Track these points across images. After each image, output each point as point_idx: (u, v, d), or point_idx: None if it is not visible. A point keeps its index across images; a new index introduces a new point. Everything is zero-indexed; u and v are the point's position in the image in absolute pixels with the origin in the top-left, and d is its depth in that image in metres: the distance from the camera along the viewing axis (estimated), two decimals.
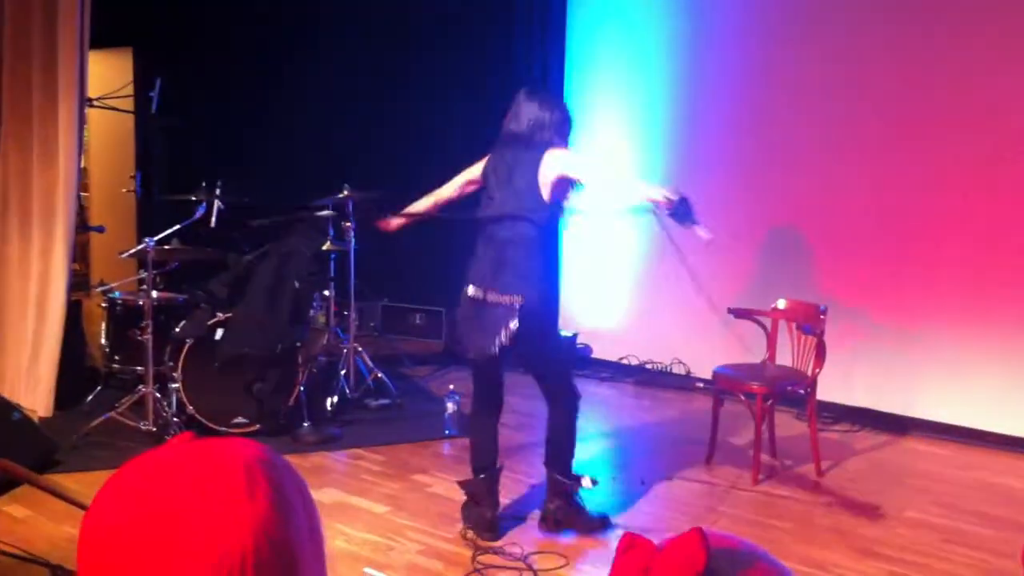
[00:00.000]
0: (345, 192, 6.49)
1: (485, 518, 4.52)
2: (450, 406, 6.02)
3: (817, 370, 5.44)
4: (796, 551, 4.47)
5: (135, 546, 0.90)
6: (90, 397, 6.11)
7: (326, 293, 6.64)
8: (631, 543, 0.85)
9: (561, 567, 4.22)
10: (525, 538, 4.51)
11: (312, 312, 6.41)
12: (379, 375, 6.68)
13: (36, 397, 5.95)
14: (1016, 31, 5.85)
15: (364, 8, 8.31)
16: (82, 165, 6.52)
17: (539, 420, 4.93)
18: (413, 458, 5.65)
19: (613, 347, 7.71)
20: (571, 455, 4.59)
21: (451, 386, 6.23)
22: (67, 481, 4.66)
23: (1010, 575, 4.27)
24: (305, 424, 5.79)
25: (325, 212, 6.39)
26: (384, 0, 8.28)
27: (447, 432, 6.00)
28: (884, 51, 6.34)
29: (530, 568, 4.18)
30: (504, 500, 4.76)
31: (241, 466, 0.95)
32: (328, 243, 6.50)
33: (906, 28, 6.25)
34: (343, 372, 6.62)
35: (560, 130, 4.45)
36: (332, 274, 6.64)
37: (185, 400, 5.61)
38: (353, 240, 6.58)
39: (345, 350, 6.69)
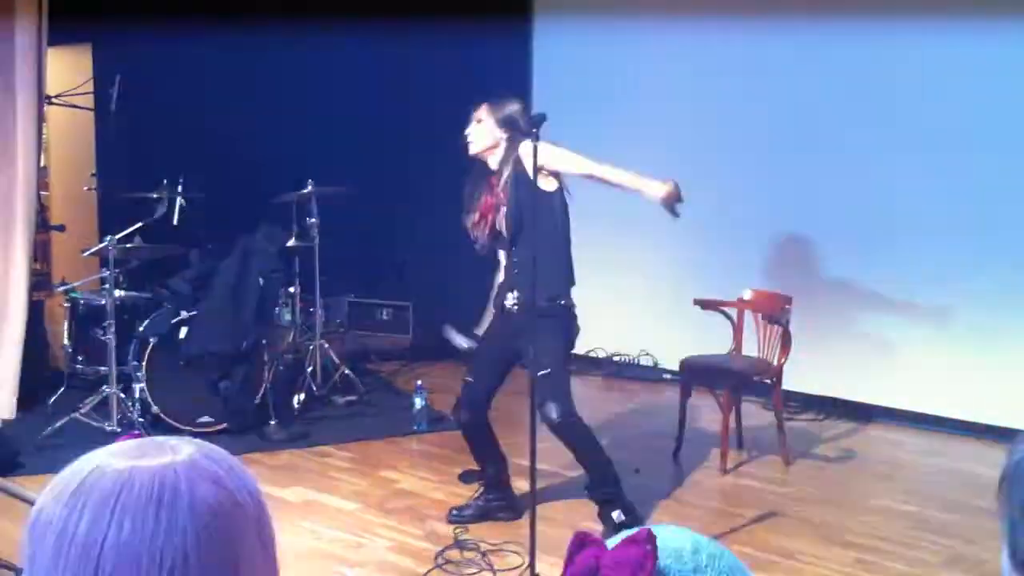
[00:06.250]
0: (309, 187, 6.46)
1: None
2: (418, 401, 5.99)
3: (783, 360, 5.47)
4: (764, 540, 4.50)
5: (79, 543, 0.89)
6: (53, 398, 6.03)
7: (291, 290, 6.61)
8: (582, 542, 0.84)
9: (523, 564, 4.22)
10: (492, 531, 4.52)
11: (277, 309, 6.37)
12: (346, 372, 6.65)
13: None
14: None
15: (329, 4, 8.26)
16: (42, 163, 6.45)
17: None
18: (381, 454, 5.63)
19: (580, 339, 7.69)
20: None
21: (418, 381, 6.21)
22: (30, 484, 4.59)
23: (975, 561, 4.31)
24: (272, 422, 5.75)
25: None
26: None
27: (415, 428, 5.97)
28: (861, 46, 6.38)
29: (490, 568, 4.19)
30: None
31: (186, 463, 0.94)
32: (292, 239, 6.46)
33: (883, 32, 6.30)
34: (309, 369, 6.58)
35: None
36: (297, 270, 6.60)
37: (150, 399, 5.56)
38: (317, 236, 6.54)
39: (311, 347, 6.65)
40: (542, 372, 4.36)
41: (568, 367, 4.66)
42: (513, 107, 4.53)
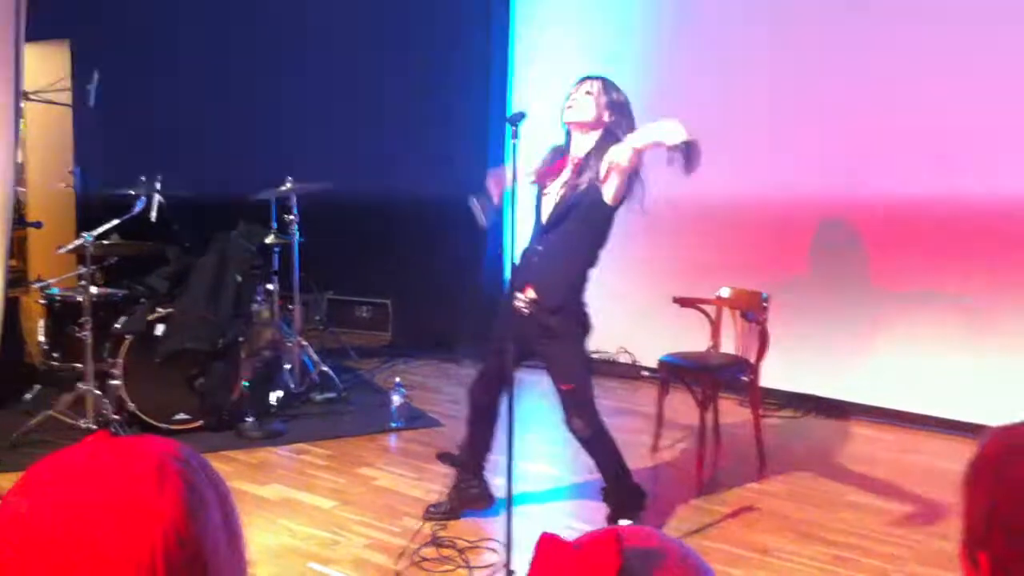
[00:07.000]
0: (288, 184, 6.44)
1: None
2: (396, 399, 5.99)
3: (761, 357, 5.49)
4: (741, 537, 4.51)
5: (43, 543, 0.89)
6: (28, 395, 6.00)
7: (270, 287, 6.59)
8: (548, 542, 0.84)
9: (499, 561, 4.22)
10: (469, 529, 4.52)
11: (256, 306, 6.35)
12: (324, 369, 6.64)
13: None
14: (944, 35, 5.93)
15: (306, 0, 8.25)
16: (19, 160, 6.40)
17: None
18: (359, 452, 5.63)
19: None
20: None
21: (397, 379, 6.21)
22: (5, 481, 4.58)
23: (951, 557, 4.33)
24: (249, 419, 5.74)
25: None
26: None
27: (393, 425, 5.97)
28: (847, 44, 6.41)
29: (467, 565, 4.20)
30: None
31: (152, 464, 0.95)
32: (271, 236, 6.45)
33: (846, 26, 6.33)
34: (288, 366, 6.56)
35: None
36: (275, 267, 6.59)
37: (126, 396, 5.53)
38: (296, 233, 6.53)
39: (290, 344, 6.63)
40: (566, 387, 4.29)
41: (590, 375, 4.46)
42: (624, 96, 4.30)
